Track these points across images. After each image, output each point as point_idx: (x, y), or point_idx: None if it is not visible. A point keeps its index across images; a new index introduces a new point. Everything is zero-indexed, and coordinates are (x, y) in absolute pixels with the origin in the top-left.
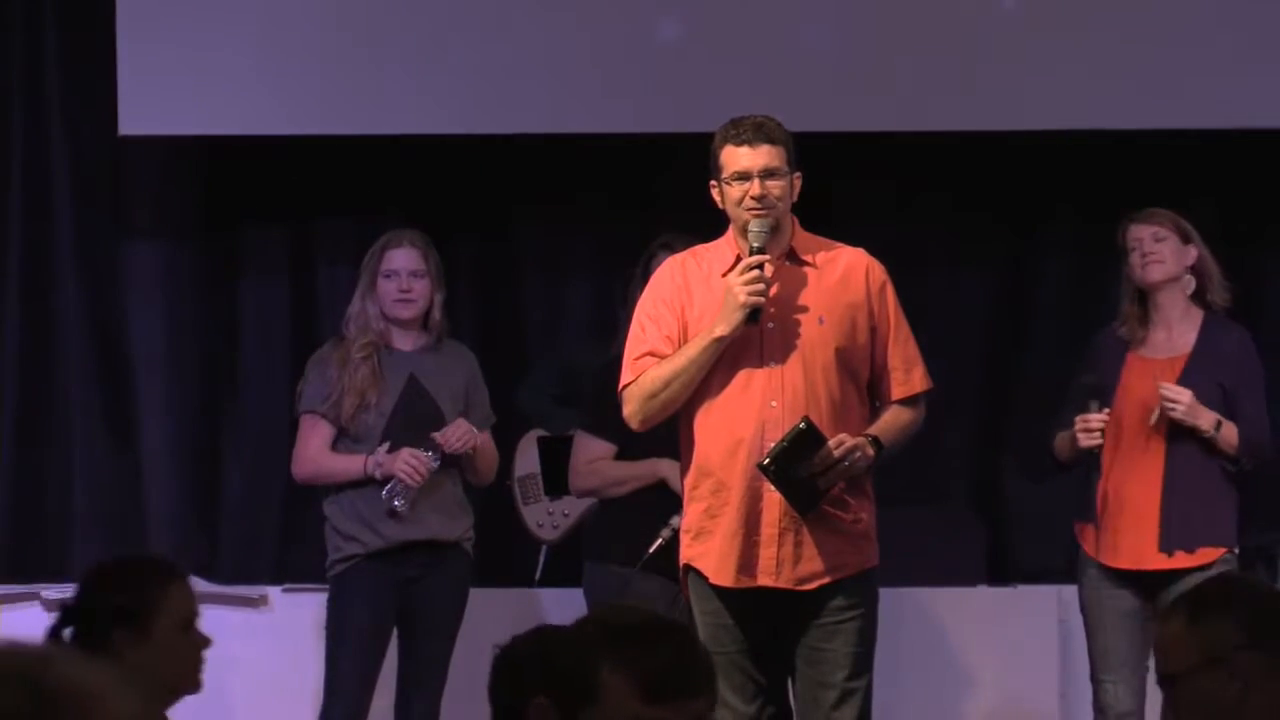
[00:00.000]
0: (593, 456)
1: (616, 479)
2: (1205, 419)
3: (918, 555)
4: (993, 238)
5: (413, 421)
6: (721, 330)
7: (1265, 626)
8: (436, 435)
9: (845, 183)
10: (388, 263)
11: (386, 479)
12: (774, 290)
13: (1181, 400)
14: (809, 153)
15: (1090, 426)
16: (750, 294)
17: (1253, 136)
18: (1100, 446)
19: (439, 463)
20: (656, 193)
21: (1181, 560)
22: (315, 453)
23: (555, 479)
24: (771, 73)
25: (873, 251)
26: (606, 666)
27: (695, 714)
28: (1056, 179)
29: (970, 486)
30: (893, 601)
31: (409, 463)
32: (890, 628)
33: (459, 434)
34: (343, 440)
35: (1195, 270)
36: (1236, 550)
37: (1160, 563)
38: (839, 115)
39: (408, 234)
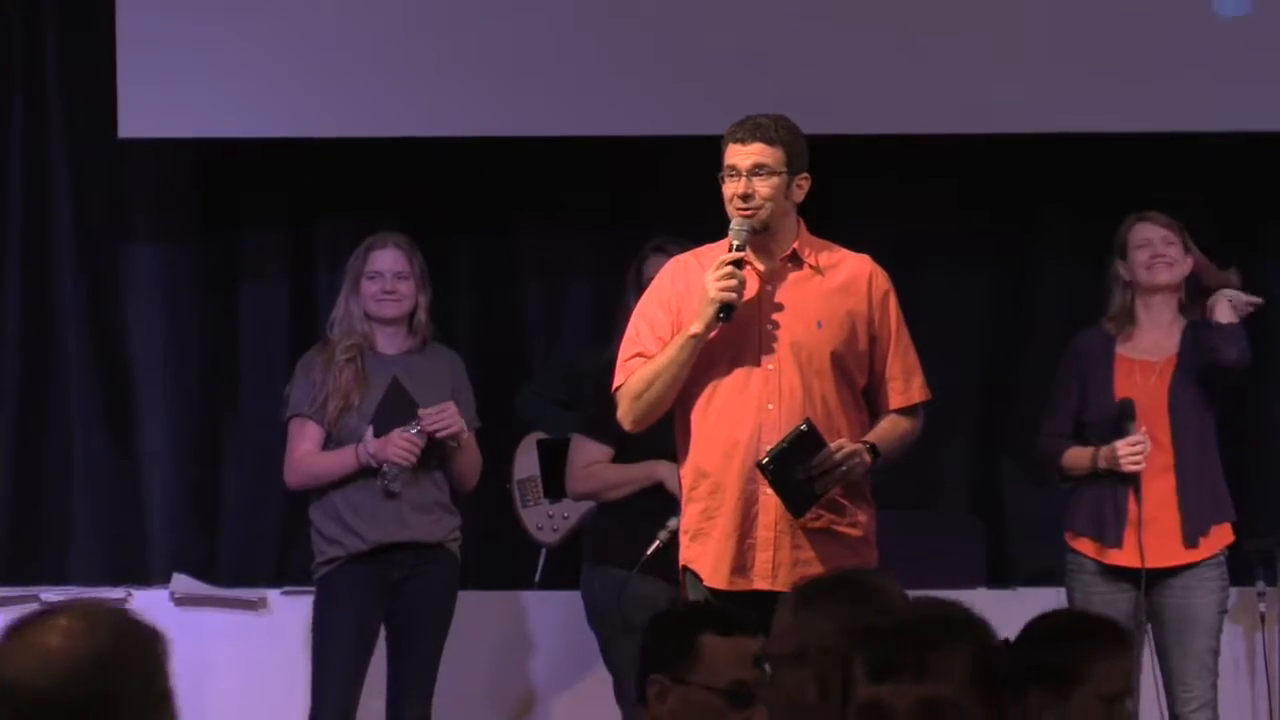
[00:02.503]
0: (590, 460)
1: (613, 482)
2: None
3: (917, 558)
4: (992, 238)
5: (394, 424)
6: (696, 328)
7: (874, 641)
8: (422, 411)
9: (846, 182)
10: (372, 264)
11: (380, 464)
12: (760, 290)
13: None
14: (809, 153)
15: (1136, 450)
16: (721, 289)
17: (1248, 140)
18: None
19: (423, 439)
20: (656, 195)
21: (1205, 549)
22: (304, 456)
23: (555, 482)
24: (771, 74)
25: (873, 251)
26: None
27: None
28: (1055, 179)
29: (969, 489)
30: None
31: (401, 446)
32: None
33: (444, 417)
34: (326, 443)
35: (1190, 279)
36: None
37: (1186, 556)
38: (840, 117)
39: (392, 236)
